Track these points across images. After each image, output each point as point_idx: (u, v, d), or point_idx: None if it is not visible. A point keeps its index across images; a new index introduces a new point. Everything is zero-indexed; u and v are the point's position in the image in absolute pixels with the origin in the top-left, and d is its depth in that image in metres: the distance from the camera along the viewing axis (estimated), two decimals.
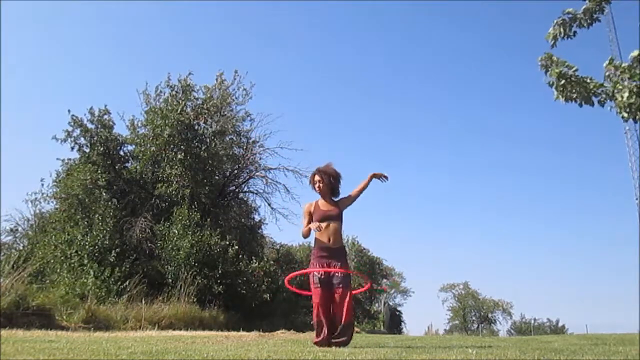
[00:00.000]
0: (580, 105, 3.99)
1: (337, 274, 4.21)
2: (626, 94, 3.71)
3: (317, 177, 4.44)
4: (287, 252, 18.95)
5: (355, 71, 67.12)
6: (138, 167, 14.67)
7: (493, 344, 5.33)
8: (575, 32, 4.31)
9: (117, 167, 14.19)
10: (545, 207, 65.20)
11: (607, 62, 3.89)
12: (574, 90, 3.95)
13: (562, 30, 4.30)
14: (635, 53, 3.74)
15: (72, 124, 13.55)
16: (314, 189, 4.50)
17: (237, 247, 13.07)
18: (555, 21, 4.37)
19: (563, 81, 3.95)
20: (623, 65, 3.81)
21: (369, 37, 69.50)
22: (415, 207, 66.14)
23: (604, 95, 3.93)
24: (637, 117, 3.73)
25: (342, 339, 4.11)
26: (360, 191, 4.50)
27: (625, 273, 56.36)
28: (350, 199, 4.48)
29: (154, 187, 14.23)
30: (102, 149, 13.70)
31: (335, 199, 4.51)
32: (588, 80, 3.97)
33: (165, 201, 14.09)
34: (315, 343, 4.15)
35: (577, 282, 62.00)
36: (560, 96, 3.99)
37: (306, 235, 4.41)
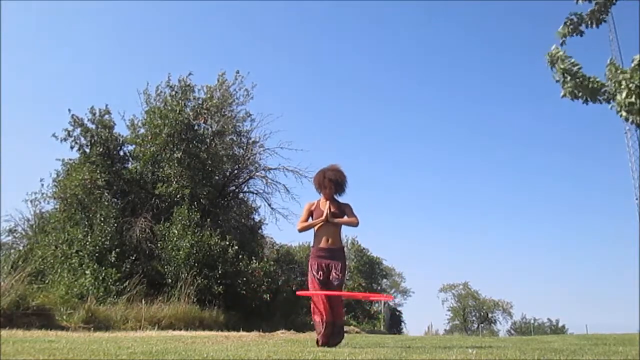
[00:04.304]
0: (586, 102, 4.00)
1: (333, 275, 4.26)
2: (624, 93, 3.72)
3: (327, 183, 4.40)
4: (287, 252, 18.89)
5: (356, 71, 67.06)
6: (138, 167, 14.65)
7: (493, 344, 5.34)
8: (582, 31, 4.35)
9: (117, 167, 14.17)
10: (545, 207, 64.99)
11: (608, 62, 3.91)
12: (579, 88, 3.98)
13: (570, 29, 4.33)
14: (638, 56, 3.75)
15: (73, 123, 13.54)
16: (319, 190, 4.48)
17: (237, 247, 13.03)
18: (564, 21, 4.41)
19: (569, 77, 3.98)
20: (624, 69, 3.82)
21: (369, 37, 69.55)
22: (415, 207, 65.89)
23: (607, 95, 3.94)
24: (637, 118, 3.73)
25: (338, 338, 4.22)
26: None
27: (625, 273, 56.25)
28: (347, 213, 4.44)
29: (153, 187, 14.20)
30: (102, 149, 13.67)
31: (338, 201, 4.50)
32: (592, 79, 4.00)
33: (165, 201, 14.05)
34: (318, 343, 4.19)
35: (577, 282, 61.90)
36: (567, 94, 4.01)
37: (302, 229, 4.43)
